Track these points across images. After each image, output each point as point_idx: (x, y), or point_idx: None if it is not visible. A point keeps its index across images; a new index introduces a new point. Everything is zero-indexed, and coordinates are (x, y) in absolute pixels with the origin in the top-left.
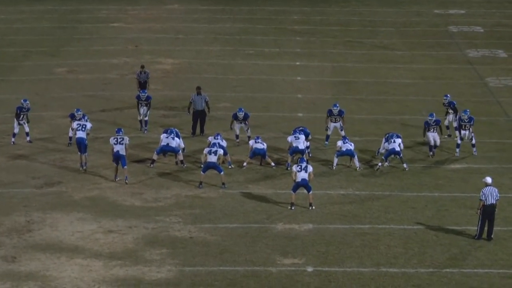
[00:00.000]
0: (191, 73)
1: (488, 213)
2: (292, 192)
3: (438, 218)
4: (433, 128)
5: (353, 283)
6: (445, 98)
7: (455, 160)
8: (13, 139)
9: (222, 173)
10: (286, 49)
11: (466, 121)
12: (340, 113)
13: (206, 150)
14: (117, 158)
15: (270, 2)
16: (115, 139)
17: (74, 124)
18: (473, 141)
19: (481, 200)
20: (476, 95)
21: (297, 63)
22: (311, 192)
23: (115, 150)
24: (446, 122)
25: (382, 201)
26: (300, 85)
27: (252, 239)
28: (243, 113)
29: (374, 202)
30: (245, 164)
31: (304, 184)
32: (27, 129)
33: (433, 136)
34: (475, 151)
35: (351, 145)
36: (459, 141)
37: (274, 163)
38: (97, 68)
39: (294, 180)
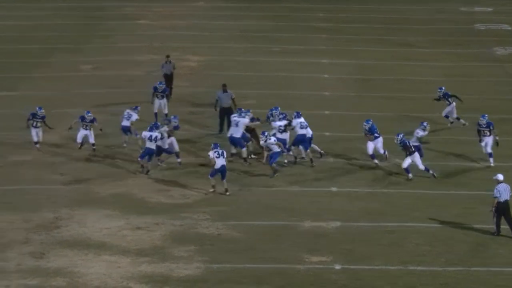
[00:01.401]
0: (216, 70)
1: (502, 209)
2: (210, 177)
3: (464, 216)
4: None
5: (380, 281)
6: (439, 90)
7: (481, 158)
8: (37, 146)
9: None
10: (311, 46)
11: (484, 126)
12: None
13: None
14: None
15: (295, 0)
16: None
17: (125, 113)
18: (489, 150)
19: (495, 197)
20: (501, 93)
21: (322, 60)
22: (225, 180)
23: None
24: (443, 113)
25: (408, 199)
26: (325, 83)
27: (279, 236)
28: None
29: (400, 200)
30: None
31: (222, 170)
32: (39, 138)
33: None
34: (492, 162)
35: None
36: (486, 150)
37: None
38: (122, 65)
39: (213, 166)
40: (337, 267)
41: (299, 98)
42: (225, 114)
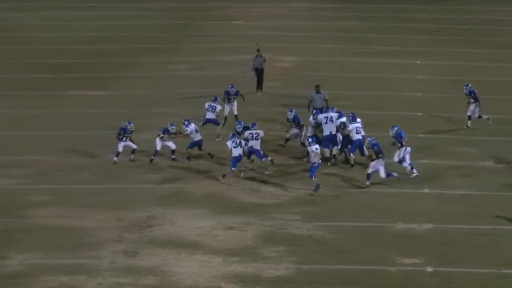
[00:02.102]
0: (310, 70)
1: None
2: (232, 169)
3: None
4: None
5: (473, 284)
6: (465, 87)
7: None
8: (115, 159)
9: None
10: (405, 47)
11: None
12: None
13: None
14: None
15: (395, 0)
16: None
17: (206, 105)
18: None
19: None
20: None
21: (418, 61)
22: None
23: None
24: (468, 113)
25: (501, 201)
26: (420, 84)
27: (371, 238)
28: (292, 114)
29: (493, 203)
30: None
31: (240, 159)
32: (134, 146)
33: None
34: None
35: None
36: None
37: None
38: (218, 65)
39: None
40: (429, 269)
41: (392, 99)
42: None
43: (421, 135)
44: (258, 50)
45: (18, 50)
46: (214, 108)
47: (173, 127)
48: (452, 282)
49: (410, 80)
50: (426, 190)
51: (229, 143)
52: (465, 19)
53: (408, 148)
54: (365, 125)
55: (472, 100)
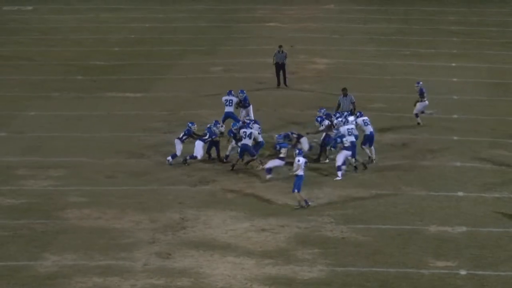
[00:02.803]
0: (345, 73)
1: None
2: (240, 157)
3: None
4: None
5: None
6: (416, 85)
7: None
8: (171, 160)
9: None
10: (442, 50)
11: None
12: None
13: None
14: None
15: (426, 3)
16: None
17: (223, 100)
18: None
19: None
20: None
21: (453, 64)
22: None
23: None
24: (415, 111)
25: None
26: (456, 86)
27: (404, 240)
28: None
29: None
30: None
31: (244, 148)
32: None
33: None
34: None
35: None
36: None
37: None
38: (252, 67)
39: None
40: (463, 272)
41: (429, 102)
42: None
43: (455, 138)
44: (280, 46)
45: (58, 52)
46: (231, 101)
47: (219, 125)
48: (486, 285)
49: (445, 82)
50: (460, 193)
51: (241, 131)
52: (503, 22)
53: (348, 152)
54: (399, 127)
55: (421, 99)
